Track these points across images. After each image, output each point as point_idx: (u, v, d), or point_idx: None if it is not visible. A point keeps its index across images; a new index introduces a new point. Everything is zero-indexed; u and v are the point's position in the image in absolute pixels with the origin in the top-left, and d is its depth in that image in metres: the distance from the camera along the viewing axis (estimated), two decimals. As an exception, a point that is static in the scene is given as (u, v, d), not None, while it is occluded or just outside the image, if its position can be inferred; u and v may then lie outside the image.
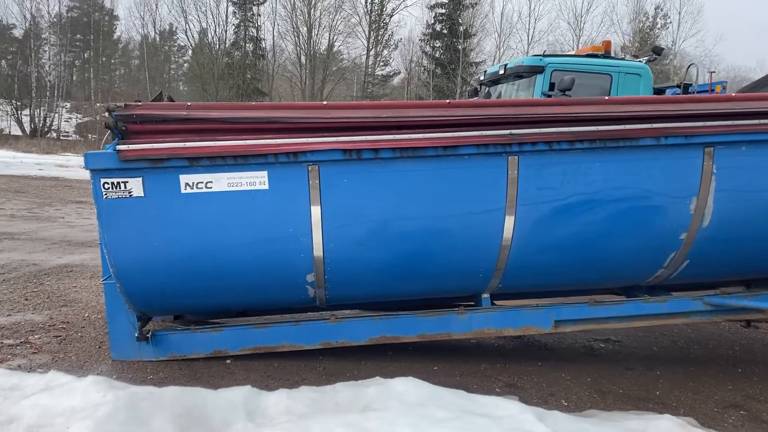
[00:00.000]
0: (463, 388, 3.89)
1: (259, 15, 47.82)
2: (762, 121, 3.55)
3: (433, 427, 2.48)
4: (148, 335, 4.15)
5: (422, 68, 43.77)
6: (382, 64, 46.05)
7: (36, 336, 4.84)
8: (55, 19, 51.44)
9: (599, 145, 3.56)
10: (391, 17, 44.83)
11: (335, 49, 46.68)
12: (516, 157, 3.57)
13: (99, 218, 3.58)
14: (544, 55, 8.47)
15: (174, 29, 52.78)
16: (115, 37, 56.27)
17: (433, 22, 42.85)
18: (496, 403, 2.84)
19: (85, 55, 53.06)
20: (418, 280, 4.02)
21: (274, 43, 48.30)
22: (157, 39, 52.48)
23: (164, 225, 3.59)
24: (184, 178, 3.50)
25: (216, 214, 3.58)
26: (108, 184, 3.49)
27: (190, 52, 50.99)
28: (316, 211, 3.57)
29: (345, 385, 2.97)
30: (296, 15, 46.30)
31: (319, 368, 4.32)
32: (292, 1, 46.65)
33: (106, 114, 3.44)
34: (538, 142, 3.52)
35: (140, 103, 3.49)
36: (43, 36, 50.73)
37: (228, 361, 4.38)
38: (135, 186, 3.50)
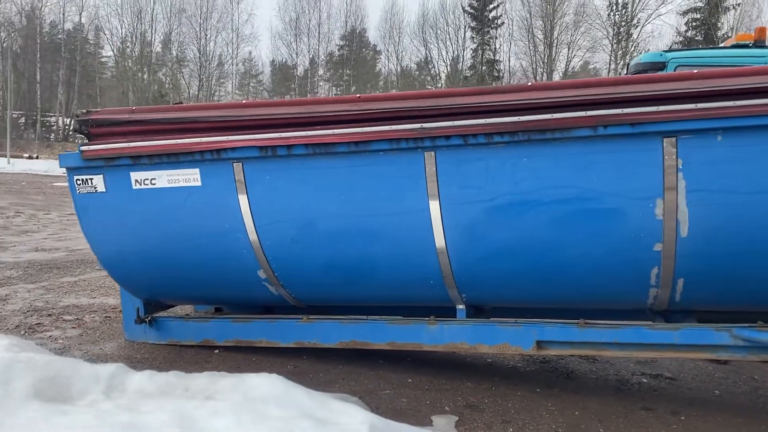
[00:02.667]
0: (405, 398, 4.37)
1: (496, 38, 58.39)
2: (740, 103, 3.22)
3: (255, 423, 3.05)
4: (147, 320, 5.35)
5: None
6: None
7: (91, 316, 6.44)
8: (327, 57, 64.40)
9: (523, 138, 3.55)
10: (640, 27, 48.57)
11: (572, 65, 53.06)
12: (432, 153, 3.77)
13: (76, 211, 4.80)
14: (668, 50, 8.07)
15: (428, 59, 63.24)
16: (376, 70, 70.40)
17: (685, 29, 46.76)
18: (346, 410, 3.28)
19: (353, 88, 65.29)
20: (368, 285, 4.46)
21: (509, 63, 57.64)
22: (414, 69, 62.26)
23: (123, 217, 4.61)
24: (133, 175, 4.47)
25: (162, 208, 4.46)
26: (79, 180, 4.63)
27: (443, 79, 59.64)
28: (245, 207, 4.24)
29: (207, 375, 3.65)
30: (533, 35, 53.99)
31: (290, 366, 5.04)
32: (529, 22, 54.33)
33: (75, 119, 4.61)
34: (452, 136, 3.64)
35: (98, 109, 4.58)
36: (319, 73, 63.86)
37: (216, 351, 5.39)
38: (98, 182, 4.59)
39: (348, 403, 3.28)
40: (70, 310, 6.52)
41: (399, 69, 69.46)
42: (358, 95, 3.87)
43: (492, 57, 60.20)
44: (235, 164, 4.14)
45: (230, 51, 65.15)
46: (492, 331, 4.37)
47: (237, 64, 66.69)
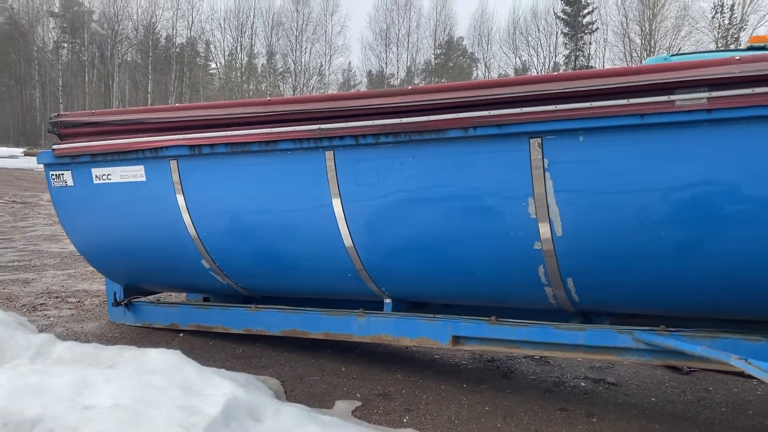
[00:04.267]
0: (326, 384, 4.68)
1: (590, 44, 58.75)
2: (601, 104, 3.26)
3: (136, 390, 3.40)
4: (123, 303, 5.92)
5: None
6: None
7: (92, 300, 7.15)
8: (424, 66, 67.83)
9: (405, 139, 3.77)
10: (752, 30, 47.06)
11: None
12: (332, 153, 4.06)
13: (53, 203, 5.42)
14: (675, 54, 7.88)
15: (526, 66, 64.42)
16: (472, 78, 71.05)
17: None
18: (220, 385, 3.60)
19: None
20: (296, 276, 4.81)
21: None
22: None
23: (89, 209, 5.19)
24: (94, 171, 5.03)
25: (118, 201, 5.00)
26: (53, 175, 5.25)
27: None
28: (182, 201, 4.69)
29: (116, 348, 4.07)
30: (629, 39, 53.39)
31: (238, 351, 5.48)
32: (625, 26, 53.82)
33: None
34: (345, 137, 3.93)
35: (67, 113, 5.17)
36: (416, 82, 67.71)
37: (181, 335, 5.89)
38: (68, 177, 5.18)
39: (226, 380, 3.62)
40: (77, 294, 7.26)
41: (488, 75, 69.40)
42: (268, 98, 4.21)
43: (586, 63, 59.45)
44: (171, 162, 4.59)
45: (324, 62, 67.48)
46: (413, 324, 4.59)
47: (331, 75, 69.01)
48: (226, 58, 69.19)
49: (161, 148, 4.60)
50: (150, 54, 63.83)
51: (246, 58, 68.29)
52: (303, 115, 4.07)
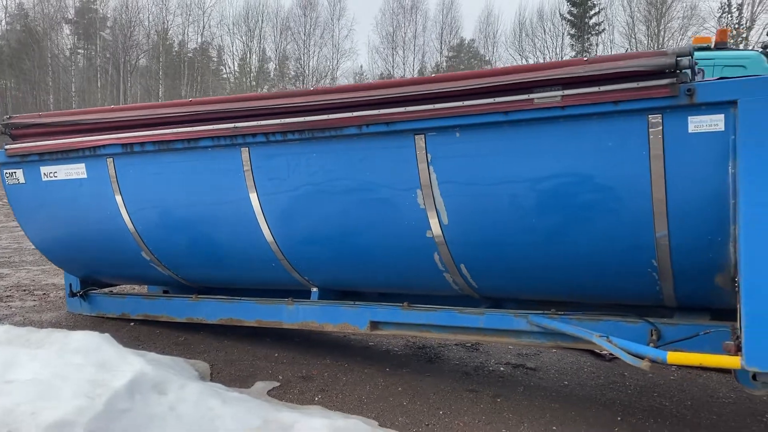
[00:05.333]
0: (253, 368, 5.04)
1: (597, 45, 57.59)
2: (471, 103, 3.57)
3: (56, 366, 3.76)
4: (79, 294, 6.27)
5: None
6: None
7: (57, 293, 7.52)
8: (434, 69, 68.11)
9: (308, 136, 4.10)
10: (762, 31, 47.12)
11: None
12: (247, 149, 4.40)
13: (8, 200, 5.79)
14: None
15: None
16: None
17: None
18: (132, 362, 3.94)
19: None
20: (227, 267, 5.15)
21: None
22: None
23: (40, 205, 5.56)
24: (42, 169, 5.39)
25: (64, 197, 5.36)
26: (7, 173, 5.61)
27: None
28: (118, 196, 5.05)
29: (46, 331, 4.41)
30: (636, 40, 53.24)
31: (180, 339, 5.83)
32: (632, 26, 53.89)
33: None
34: (258, 134, 4.28)
35: (18, 115, 5.53)
36: None
37: (132, 324, 6.24)
38: (20, 175, 5.55)
39: (138, 357, 3.94)
40: (45, 288, 7.65)
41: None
42: (190, 99, 4.54)
43: (592, 64, 61.05)
44: (108, 160, 4.95)
45: (331, 65, 67.95)
46: (336, 311, 4.91)
47: (341, 78, 69.49)
48: (238, 62, 69.80)
49: (98, 146, 4.96)
50: (161, 59, 64.59)
51: (258, 63, 68.84)
52: (220, 114, 4.41)
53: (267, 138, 4.28)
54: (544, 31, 65.08)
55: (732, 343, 3.16)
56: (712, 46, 7.76)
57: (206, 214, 4.82)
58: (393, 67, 68.54)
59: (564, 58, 62.73)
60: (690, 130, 3.18)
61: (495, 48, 68.30)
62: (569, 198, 3.55)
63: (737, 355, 3.10)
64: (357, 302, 4.88)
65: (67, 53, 63.11)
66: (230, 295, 5.50)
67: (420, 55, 69.74)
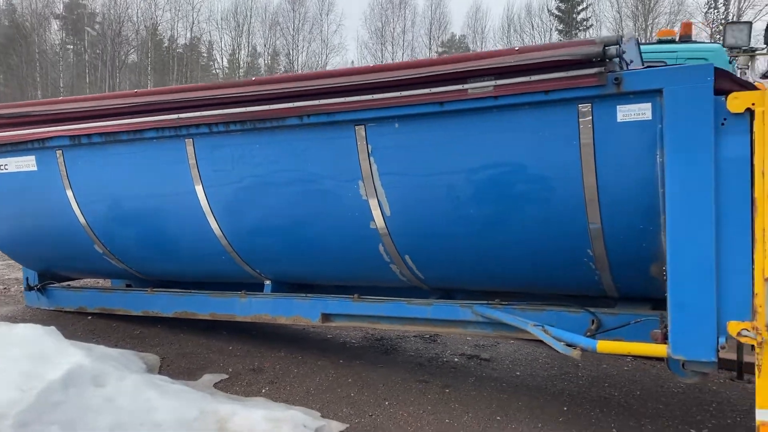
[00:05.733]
0: (204, 360, 5.08)
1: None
2: (407, 93, 3.57)
3: None
4: (36, 288, 6.23)
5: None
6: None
7: (19, 287, 7.46)
8: None
9: (250, 127, 4.09)
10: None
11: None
12: (191, 140, 4.38)
13: (-39, 191, 5.74)
14: None
15: None
16: None
17: None
18: (72, 353, 3.92)
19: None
20: (178, 259, 5.12)
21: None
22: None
23: (-9, 197, 5.53)
24: (-7, 162, 5.37)
25: (16, 190, 5.31)
26: (-39, 165, 5.58)
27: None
28: (68, 188, 5.02)
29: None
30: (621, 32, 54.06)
31: (136, 332, 5.82)
32: (619, 22, 54.04)
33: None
34: (201, 125, 4.26)
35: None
36: None
37: (89, 317, 6.21)
38: (-27, 167, 5.51)
39: (77, 348, 3.92)
40: (7, 282, 7.63)
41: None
42: (135, 90, 4.51)
43: (579, 60, 61.48)
44: (57, 151, 4.89)
45: (320, 61, 67.70)
46: (289, 304, 4.90)
47: None
48: (228, 58, 69.47)
49: (47, 138, 4.91)
50: (150, 55, 64.20)
51: (249, 58, 68.55)
52: (165, 105, 4.38)
53: (210, 129, 4.26)
54: (533, 26, 65.09)
55: (659, 331, 3.19)
56: (677, 39, 7.80)
57: (155, 207, 4.79)
58: (382, 62, 68.50)
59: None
60: (619, 119, 3.19)
61: (484, 43, 68.29)
62: (505, 188, 3.56)
63: (664, 344, 3.13)
64: (309, 295, 4.88)
65: (57, 48, 62.64)
66: (194, 289, 5.47)
67: (409, 50, 69.65)
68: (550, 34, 62.88)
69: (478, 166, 3.59)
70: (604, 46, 3.09)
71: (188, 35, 68.12)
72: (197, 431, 3.58)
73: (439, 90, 3.51)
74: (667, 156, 3.03)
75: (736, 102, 2.89)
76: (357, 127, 3.82)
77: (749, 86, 2.97)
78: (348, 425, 3.95)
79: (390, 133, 3.76)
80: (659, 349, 3.14)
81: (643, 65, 4.25)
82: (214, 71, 72.54)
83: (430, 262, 4.17)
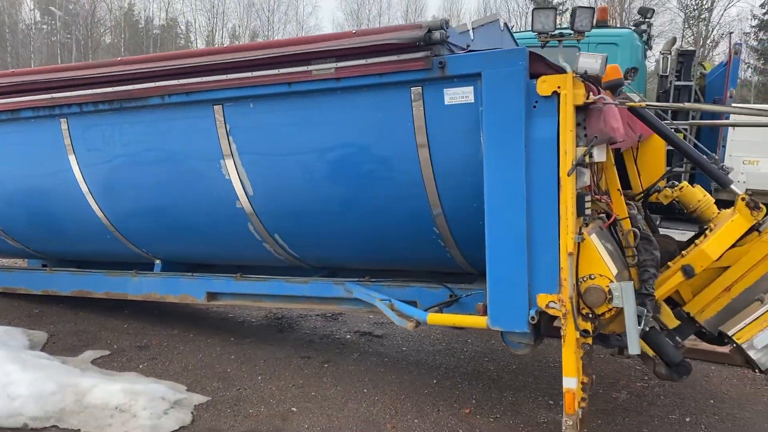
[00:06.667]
0: (94, 338, 5.16)
1: (561, 24, 60.93)
2: (259, 74, 3.67)
3: None
4: None
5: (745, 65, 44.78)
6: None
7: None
8: None
9: (117, 107, 4.16)
10: (722, 11, 47.94)
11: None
12: (66, 120, 4.44)
13: None
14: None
15: None
16: None
17: (763, 11, 45.41)
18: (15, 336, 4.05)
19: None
20: (67, 239, 5.20)
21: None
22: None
23: None
24: None
25: None
26: None
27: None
28: (-41, 169, 5.08)
29: None
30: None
31: (35, 311, 5.89)
32: (595, 4, 54.50)
33: None
34: (72, 105, 4.32)
35: None
36: None
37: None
38: None
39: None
40: None
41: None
42: (12, 70, 4.54)
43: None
44: (-55, 130, 4.91)
45: (296, 42, 67.79)
46: (176, 283, 5.01)
47: None
48: (205, 39, 68.56)
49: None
50: (124, 36, 63.10)
51: (224, 40, 67.75)
52: (40, 85, 4.43)
53: (81, 109, 4.33)
54: (509, 10, 65.07)
55: (482, 304, 3.35)
56: (594, 24, 7.94)
57: (38, 187, 4.86)
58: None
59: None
60: (446, 102, 3.32)
61: (513, 30, 68.09)
62: (353, 168, 3.68)
63: (485, 316, 3.30)
64: (195, 274, 4.98)
65: (32, 29, 61.37)
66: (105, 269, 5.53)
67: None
68: (527, 18, 62.89)
69: (328, 146, 3.71)
70: (429, 30, 3.21)
71: (162, 16, 67.07)
72: (53, 404, 3.69)
73: (287, 71, 3.61)
74: (484, 137, 3.17)
75: (544, 85, 3.03)
76: (215, 107, 3.92)
77: (562, 71, 3.10)
78: (210, 398, 4.09)
79: (246, 113, 3.86)
80: (480, 321, 3.31)
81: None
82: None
83: (298, 241, 4.29)
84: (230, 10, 67.05)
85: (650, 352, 3.64)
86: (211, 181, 4.14)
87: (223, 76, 3.80)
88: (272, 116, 3.79)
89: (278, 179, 3.95)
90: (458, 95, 3.29)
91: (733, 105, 7.00)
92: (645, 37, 7.96)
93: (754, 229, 3.62)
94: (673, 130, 4.15)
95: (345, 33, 3.51)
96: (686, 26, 51.79)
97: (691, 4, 51.84)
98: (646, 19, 7.84)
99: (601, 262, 3.07)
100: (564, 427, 3.14)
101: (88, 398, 3.77)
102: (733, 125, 7.12)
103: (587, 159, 3.02)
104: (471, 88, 3.24)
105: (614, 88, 3.85)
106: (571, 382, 3.12)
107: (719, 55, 45.63)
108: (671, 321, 3.72)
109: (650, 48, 8.51)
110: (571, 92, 2.97)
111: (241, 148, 3.95)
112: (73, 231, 5.04)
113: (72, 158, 4.51)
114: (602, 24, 7.93)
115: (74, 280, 5.53)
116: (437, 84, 3.31)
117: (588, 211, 3.18)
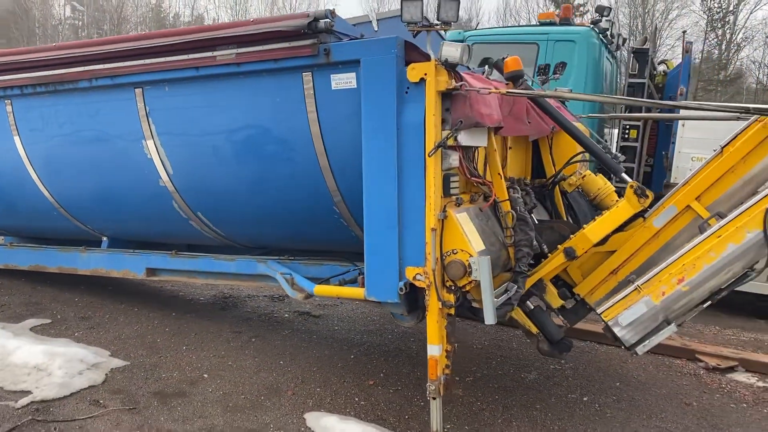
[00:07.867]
0: (43, 310, 5.55)
1: (581, 25, 60.63)
2: (171, 58, 3.92)
3: None
4: None
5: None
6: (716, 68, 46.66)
7: None
8: None
9: (52, 89, 4.47)
10: (748, 14, 46.87)
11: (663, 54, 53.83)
12: (9, 101, 4.76)
13: None
14: (467, 30, 8.78)
15: None
16: None
17: None
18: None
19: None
20: (18, 216, 5.53)
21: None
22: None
23: None
24: None
25: None
26: None
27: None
28: None
29: None
30: (618, 21, 54.43)
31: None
32: (616, 9, 54.50)
33: None
34: (14, 87, 4.64)
35: None
36: None
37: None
38: None
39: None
40: None
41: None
42: (-38, 54, 4.86)
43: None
44: None
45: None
46: (120, 259, 5.31)
47: None
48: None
49: None
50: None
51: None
52: (-10, 68, 4.74)
53: (22, 91, 4.64)
54: (529, 11, 64.85)
55: (362, 276, 3.57)
56: (558, 21, 8.10)
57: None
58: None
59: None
60: (333, 87, 3.55)
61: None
62: (258, 149, 3.93)
63: (363, 288, 3.53)
64: (136, 250, 5.27)
65: (62, 25, 62.47)
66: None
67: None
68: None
69: (234, 128, 3.97)
70: (315, 19, 3.44)
71: (187, 13, 67.89)
72: (-23, 363, 4.01)
73: (195, 56, 3.87)
74: (362, 121, 3.39)
75: (414, 72, 3.25)
76: (136, 90, 4.20)
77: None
78: (129, 363, 4.38)
79: (162, 96, 4.13)
80: (358, 292, 3.54)
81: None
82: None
83: (220, 219, 4.55)
84: (252, 8, 67.67)
85: (534, 329, 3.86)
86: (136, 160, 4.42)
87: (141, 61, 4.08)
88: (185, 99, 4.06)
89: (193, 158, 4.22)
90: (343, 81, 3.52)
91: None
92: (607, 34, 8.11)
93: (640, 215, 3.82)
94: (574, 122, 4.36)
95: (246, 21, 3.76)
96: (709, 29, 51.14)
97: (714, 7, 51.12)
98: (603, 17, 7.98)
99: (463, 237, 3.28)
100: (427, 392, 3.37)
101: (11, 358, 4.08)
102: (671, 119, 7.31)
103: (451, 141, 3.23)
104: (353, 75, 3.47)
105: (515, 78, 4.06)
106: (434, 349, 3.34)
107: (743, 59, 44.91)
108: (556, 300, 3.94)
109: (616, 46, 8.64)
110: (434, 78, 3.19)
111: (159, 129, 4.23)
112: (24, 208, 5.37)
113: (17, 139, 4.83)
114: (565, 22, 8.11)
115: (32, 256, 5.86)
116: (324, 70, 3.55)
117: (456, 191, 3.39)
